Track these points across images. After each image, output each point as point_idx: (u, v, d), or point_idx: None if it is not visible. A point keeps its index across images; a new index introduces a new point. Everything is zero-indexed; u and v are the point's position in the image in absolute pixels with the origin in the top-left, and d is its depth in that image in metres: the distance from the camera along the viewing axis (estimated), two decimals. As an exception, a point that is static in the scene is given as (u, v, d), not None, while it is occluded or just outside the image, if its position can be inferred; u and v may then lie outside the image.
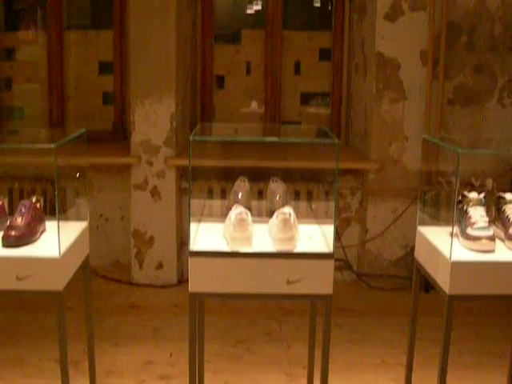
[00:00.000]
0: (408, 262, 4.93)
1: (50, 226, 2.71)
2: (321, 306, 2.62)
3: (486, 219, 2.63)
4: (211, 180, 4.93)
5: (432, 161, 4.61)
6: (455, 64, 4.88)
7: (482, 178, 4.26)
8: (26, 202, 2.71)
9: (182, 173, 5.06)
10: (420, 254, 2.87)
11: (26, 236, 2.58)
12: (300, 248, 2.51)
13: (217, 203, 3.93)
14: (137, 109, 4.89)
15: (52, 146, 2.39)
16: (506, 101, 4.96)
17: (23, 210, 2.66)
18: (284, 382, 3.62)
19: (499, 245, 2.62)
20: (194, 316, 2.53)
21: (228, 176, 4.81)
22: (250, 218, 2.52)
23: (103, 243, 5.30)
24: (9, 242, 2.53)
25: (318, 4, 5.71)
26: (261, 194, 4.12)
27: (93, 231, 3.05)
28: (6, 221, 2.72)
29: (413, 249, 3.03)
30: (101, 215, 5.33)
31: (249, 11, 5.67)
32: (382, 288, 5.00)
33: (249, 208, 2.64)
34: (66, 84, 5.61)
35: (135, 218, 5.05)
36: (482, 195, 2.73)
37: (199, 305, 2.93)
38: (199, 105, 5.59)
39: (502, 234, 2.68)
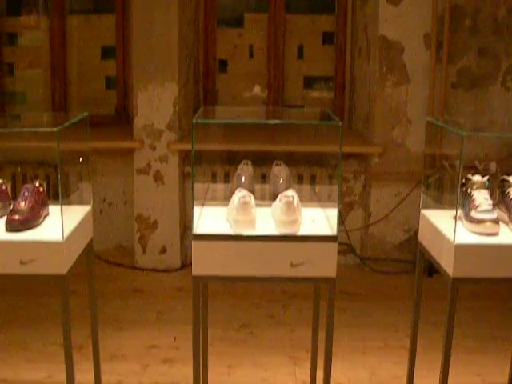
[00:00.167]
0: (411, 246, 4.93)
1: (54, 210, 2.70)
2: (324, 289, 2.61)
3: (490, 202, 2.62)
4: (214, 164, 4.93)
5: (435, 144, 4.60)
6: (459, 47, 4.86)
7: (485, 161, 4.26)
8: (29, 186, 2.71)
9: (185, 157, 5.05)
10: (424, 237, 2.86)
11: (30, 220, 2.58)
12: (303, 231, 2.51)
13: (220, 187, 3.92)
14: (139, 93, 4.89)
15: (54, 129, 2.39)
16: (509, 84, 4.94)
17: (26, 194, 2.65)
18: (287, 366, 3.63)
19: (503, 228, 2.61)
20: (198, 299, 2.53)
21: (231, 160, 4.81)
22: (253, 201, 2.52)
23: (107, 228, 5.30)
24: (12, 227, 2.52)
25: (320, -13, 5.69)
26: (264, 178, 4.11)
27: (96, 216, 3.05)
28: (10, 205, 2.72)
29: (416, 232, 3.03)
30: (104, 200, 5.33)
31: (251, -5, 5.65)
32: (386, 272, 5.01)
33: (252, 191, 2.63)
34: (69, 69, 5.59)
35: (138, 203, 5.05)
36: (485, 178, 2.72)
37: (203, 288, 2.93)
38: (202, 89, 5.57)
39: (505, 217, 2.67)
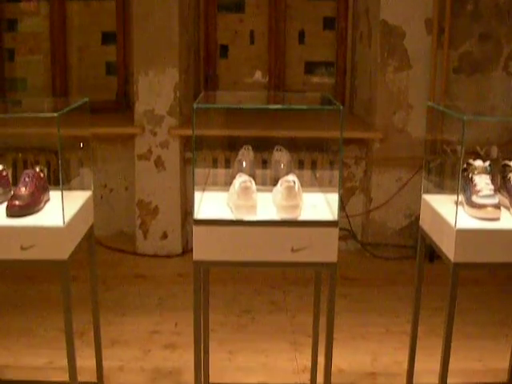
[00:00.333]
0: (412, 231, 4.93)
1: (54, 195, 2.70)
2: (325, 275, 2.61)
3: (492, 187, 2.61)
4: (215, 150, 4.92)
5: (437, 129, 4.59)
6: (460, 32, 4.84)
7: (486, 146, 4.25)
8: (29, 171, 2.70)
9: (186, 143, 5.05)
10: (425, 222, 2.86)
11: (30, 205, 2.57)
12: (304, 216, 2.50)
13: (221, 172, 3.92)
14: (140, 79, 4.88)
15: (55, 114, 2.38)
16: (511, 69, 4.93)
17: (27, 179, 2.65)
18: (288, 352, 3.63)
19: (504, 213, 2.61)
20: (199, 285, 2.53)
21: (232, 145, 4.79)
22: (254, 186, 2.51)
23: (108, 213, 5.31)
24: (13, 212, 2.52)
25: (321, -28, 5.66)
26: (265, 164, 4.10)
27: (97, 202, 3.05)
28: (10, 191, 2.71)
29: (417, 218, 3.02)
30: (105, 185, 5.33)
31: (252, -21, 5.61)
32: (387, 257, 5.01)
33: (253, 177, 2.63)
34: (69, 55, 5.58)
35: (139, 188, 5.05)
36: (487, 163, 2.71)
37: (204, 274, 2.93)
38: (203, 74, 5.56)
39: (507, 202, 2.67)
